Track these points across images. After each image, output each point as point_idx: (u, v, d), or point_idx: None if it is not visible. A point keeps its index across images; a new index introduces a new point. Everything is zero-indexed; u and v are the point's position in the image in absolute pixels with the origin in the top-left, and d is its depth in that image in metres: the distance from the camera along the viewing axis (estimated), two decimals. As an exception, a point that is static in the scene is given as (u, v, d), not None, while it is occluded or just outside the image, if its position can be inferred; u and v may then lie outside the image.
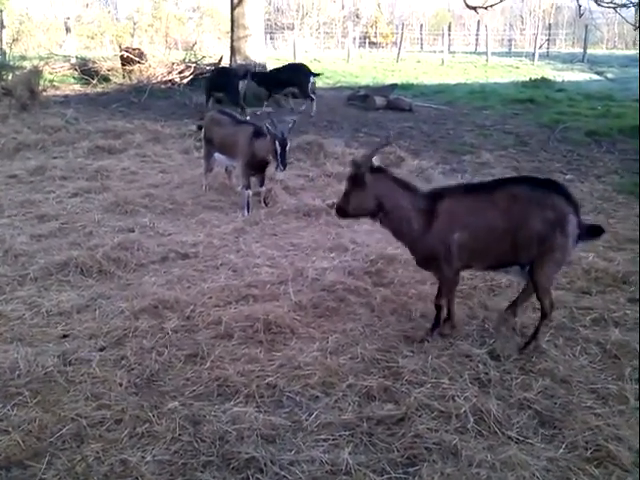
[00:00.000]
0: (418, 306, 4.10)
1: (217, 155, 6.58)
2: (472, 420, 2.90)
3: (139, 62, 16.21)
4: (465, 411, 2.95)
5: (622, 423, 2.91)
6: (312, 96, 12.51)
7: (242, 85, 12.08)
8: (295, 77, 12.64)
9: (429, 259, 3.66)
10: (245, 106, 11.91)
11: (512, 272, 3.74)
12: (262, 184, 6.34)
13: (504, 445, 2.76)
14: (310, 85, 12.55)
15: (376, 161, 3.66)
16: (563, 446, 2.77)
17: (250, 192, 6.12)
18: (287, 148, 5.65)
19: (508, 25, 51.52)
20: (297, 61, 14.63)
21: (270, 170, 6.19)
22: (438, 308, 3.76)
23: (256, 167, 6.09)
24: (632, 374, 3.34)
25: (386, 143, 3.55)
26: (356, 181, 3.58)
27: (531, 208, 3.40)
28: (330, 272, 4.61)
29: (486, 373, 3.32)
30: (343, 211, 3.73)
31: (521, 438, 2.83)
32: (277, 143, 5.57)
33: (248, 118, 6.90)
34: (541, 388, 3.19)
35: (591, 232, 3.61)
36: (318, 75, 12.97)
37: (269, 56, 18.30)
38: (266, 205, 6.29)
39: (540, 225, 3.37)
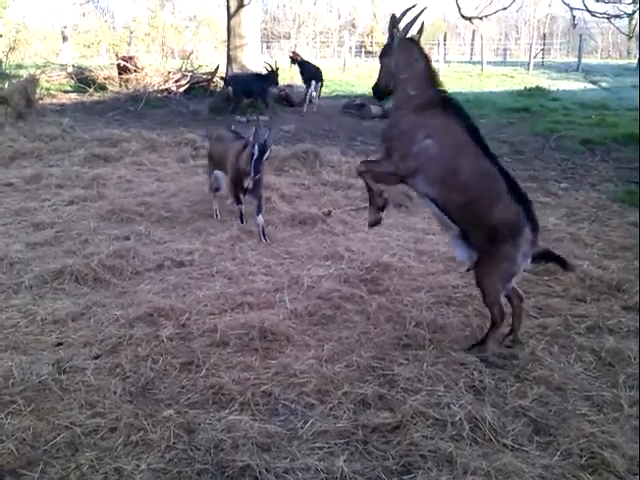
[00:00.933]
0: (413, 314, 4.09)
1: (216, 172, 6.23)
2: (467, 428, 2.90)
3: (135, 71, 16.27)
4: (460, 419, 2.95)
5: (616, 430, 2.91)
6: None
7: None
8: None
9: (392, 140, 3.65)
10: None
11: (449, 235, 3.67)
12: (259, 211, 5.64)
13: (499, 453, 2.76)
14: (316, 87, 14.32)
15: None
16: (558, 453, 2.76)
17: (242, 206, 5.87)
18: (265, 156, 5.34)
19: (503, 34, 51.90)
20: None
21: (267, 178, 6.11)
22: (360, 175, 3.84)
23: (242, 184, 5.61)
24: (626, 381, 3.35)
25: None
26: (386, 49, 3.69)
27: (500, 199, 3.41)
28: (326, 280, 4.61)
29: (481, 381, 3.31)
30: (376, 87, 3.82)
31: (516, 446, 2.82)
32: (256, 147, 5.26)
33: (233, 127, 6.74)
34: (536, 395, 3.19)
35: (547, 257, 3.70)
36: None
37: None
38: (265, 240, 5.59)
39: (497, 218, 3.37)
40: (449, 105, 3.54)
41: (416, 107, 3.55)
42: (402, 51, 3.60)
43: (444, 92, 3.59)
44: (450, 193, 3.47)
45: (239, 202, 5.86)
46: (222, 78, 14.66)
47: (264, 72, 14.07)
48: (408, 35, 3.62)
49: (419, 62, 3.59)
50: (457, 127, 3.49)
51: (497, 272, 3.48)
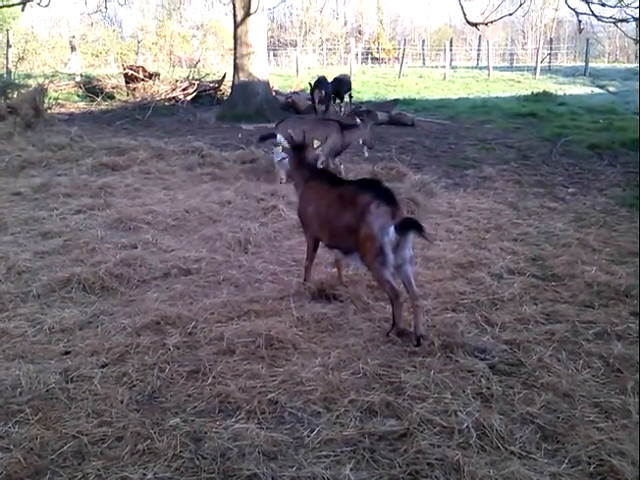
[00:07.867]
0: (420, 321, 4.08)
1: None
2: (475, 435, 2.88)
3: (143, 80, 16.39)
4: (468, 426, 2.93)
5: (625, 437, 2.88)
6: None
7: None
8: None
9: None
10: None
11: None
12: None
13: (507, 460, 2.74)
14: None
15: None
16: (566, 461, 2.74)
17: None
18: None
19: (510, 39, 51.82)
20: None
21: (274, 186, 6.12)
22: (305, 269, 4.68)
23: None
24: (635, 388, 3.32)
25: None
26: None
27: (343, 204, 4.03)
28: (332, 287, 4.60)
29: (488, 388, 3.30)
30: None
31: (524, 453, 2.80)
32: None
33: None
34: (544, 402, 3.17)
35: (407, 225, 3.68)
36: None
37: (272, 73, 18.46)
38: None
39: (348, 218, 3.93)
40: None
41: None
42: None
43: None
44: (328, 230, 4.36)
45: None
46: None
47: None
48: None
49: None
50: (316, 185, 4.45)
51: (368, 254, 3.87)
